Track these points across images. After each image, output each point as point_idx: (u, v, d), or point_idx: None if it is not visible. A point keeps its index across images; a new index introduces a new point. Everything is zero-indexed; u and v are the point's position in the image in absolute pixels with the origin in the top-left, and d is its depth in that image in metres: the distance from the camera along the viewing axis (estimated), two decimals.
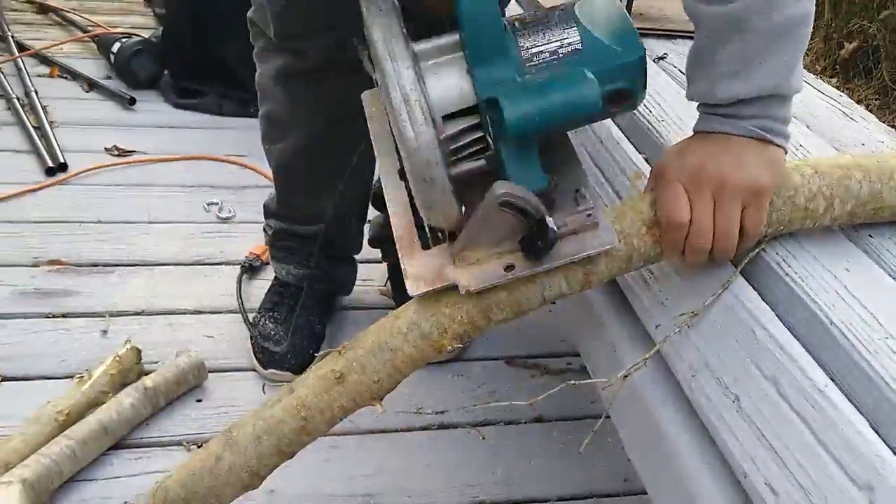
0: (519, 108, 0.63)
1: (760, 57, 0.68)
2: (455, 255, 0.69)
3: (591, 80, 0.64)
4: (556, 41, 0.68)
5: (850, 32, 2.83)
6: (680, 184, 0.70)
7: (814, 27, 0.72)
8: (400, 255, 0.72)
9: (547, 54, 0.68)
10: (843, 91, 1.22)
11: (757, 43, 0.68)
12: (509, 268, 0.68)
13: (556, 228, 0.65)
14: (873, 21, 2.85)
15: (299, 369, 1.27)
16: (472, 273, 0.68)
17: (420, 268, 0.70)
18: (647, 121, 0.98)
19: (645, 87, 0.70)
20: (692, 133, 0.75)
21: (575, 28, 0.68)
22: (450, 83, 0.66)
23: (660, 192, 0.71)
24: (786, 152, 0.71)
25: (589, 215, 0.69)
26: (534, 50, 0.68)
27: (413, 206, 0.73)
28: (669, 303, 0.79)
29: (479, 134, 0.67)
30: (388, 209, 0.75)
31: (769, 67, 0.68)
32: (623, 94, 0.69)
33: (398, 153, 0.71)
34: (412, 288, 0.69)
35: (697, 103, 0.75)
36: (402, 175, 0.76)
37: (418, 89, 0.63)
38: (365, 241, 1.46)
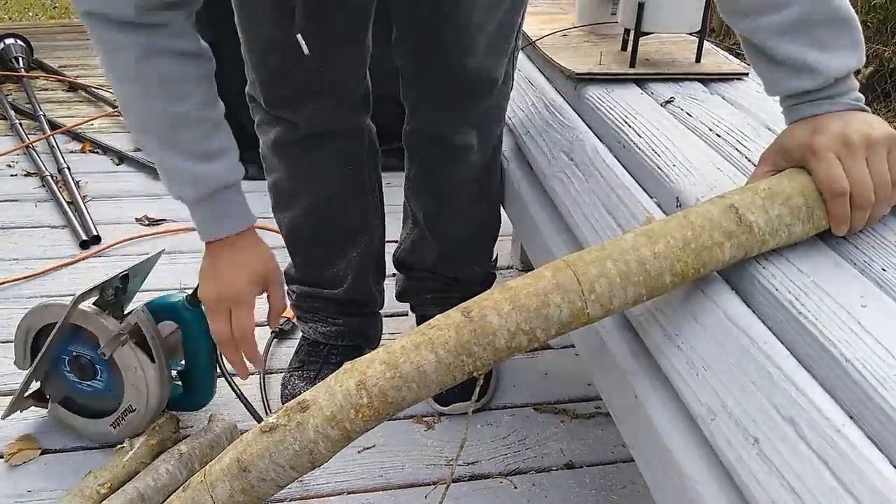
0: None
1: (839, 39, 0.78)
2: None
3: None
4: None
5: (865, 56, 2.84)
6: (832, 153, 0.75)
7: None
8: None
9: None
10: None
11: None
12: None
13: None
14: (888, 44, 2.85)
15: None
16: None
17: None
18: (657, 165, 1.00)
19: None
20: (790, 123, 0.82)
21: None
22: None
23: (816, 169, 0.76)
24: None
25: None
26: None
27: None
28: (682, 343, 0.80)
29: None
30: None
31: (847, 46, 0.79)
32: None
33: None
34: None
35: (788, 96, 0.82)
36: None
37: None
38: (392, 296, 1.48)
